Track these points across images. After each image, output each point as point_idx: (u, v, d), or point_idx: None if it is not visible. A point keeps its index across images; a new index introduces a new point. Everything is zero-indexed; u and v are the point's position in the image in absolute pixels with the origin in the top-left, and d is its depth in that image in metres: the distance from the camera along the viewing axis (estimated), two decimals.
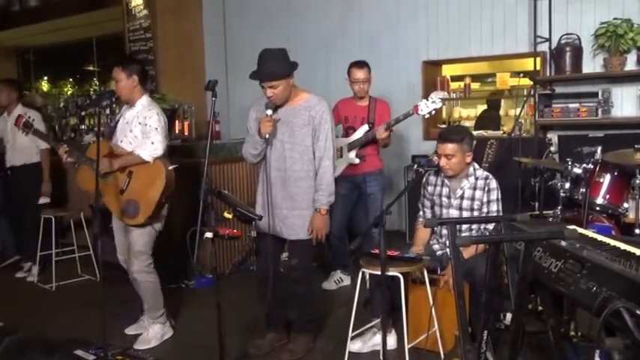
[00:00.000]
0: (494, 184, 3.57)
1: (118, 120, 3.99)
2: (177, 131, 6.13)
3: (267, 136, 3.41)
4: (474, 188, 3.59)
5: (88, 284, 5.28)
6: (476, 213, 3.57)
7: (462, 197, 3.60)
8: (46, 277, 5.31)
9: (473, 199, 3.58)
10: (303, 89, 3.62)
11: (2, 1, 9.56)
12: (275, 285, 3.56)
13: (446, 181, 3.67)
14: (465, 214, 3.59)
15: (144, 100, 3.88)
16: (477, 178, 3.59)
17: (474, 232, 3.61)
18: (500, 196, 3.56)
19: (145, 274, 3.89)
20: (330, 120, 3.54)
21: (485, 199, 3.56)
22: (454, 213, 3.62)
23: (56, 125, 7.43)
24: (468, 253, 3.44)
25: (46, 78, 13.24)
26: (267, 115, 3.41)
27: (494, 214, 3.52)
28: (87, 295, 4.87)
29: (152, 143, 3.75)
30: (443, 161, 3.52)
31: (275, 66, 3.40)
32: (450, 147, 3.49)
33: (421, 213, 3.86)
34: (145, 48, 7.93)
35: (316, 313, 3.88)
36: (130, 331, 4.11)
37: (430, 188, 3.76)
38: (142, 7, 7.88)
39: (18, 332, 3.10)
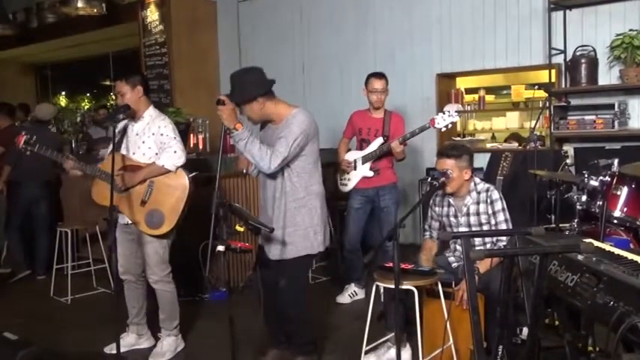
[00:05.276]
0: (496, 194, 3.55)
1: (124, 132, 3.91)
2: (191, 145, 6.16)
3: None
4: (478, 202, 3.57)
5: (104, 297, 5.29)
6: (485, 227, 3.54)
7: (467, 214, 3.58)
8: (61, 291, 5.33)
9: (478, 213, 3.56)
10: (289, 105, 3.40)
11: (21, 18, 9.71)
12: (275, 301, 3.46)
13: (450, 201, 3.65)
14: (474, 230, 3.56)
15: (151, 111, 3.86)
16: (478, 193, 3.57)
17: (488, 245, 3.58)
18: (505, 206, 3.53)
19: (164, 283, 3.87)
20: (295, 124, 3.27)
21: (490, 211, 3.53)
22: (463, 231, 3.59)
23: (73, 139, 7.52)
24: (483, 267, 3.41)
25: (63, 93, 13.41)
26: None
27: (504, 224, 3.50)
28: (102, 308, 4.88)
29: (175, 152, 3.74)
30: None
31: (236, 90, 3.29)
32: (447, 162, 3.50)
33: (427, 234, 3.84)
34: (161, 63, 8.02)
35: (313, 334, 3.68)
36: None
37: (437, 209, 3.74)
38: (157, 23, 7.97)
39: (32, 346, 3.10)
